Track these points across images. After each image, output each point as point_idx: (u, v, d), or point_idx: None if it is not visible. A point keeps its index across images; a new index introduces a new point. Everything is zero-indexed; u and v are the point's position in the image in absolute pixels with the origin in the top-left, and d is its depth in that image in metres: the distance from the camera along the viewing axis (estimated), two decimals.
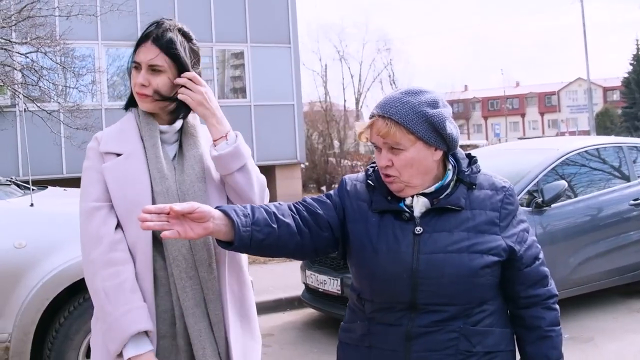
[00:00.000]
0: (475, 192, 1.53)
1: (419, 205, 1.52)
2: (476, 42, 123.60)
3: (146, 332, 1.60)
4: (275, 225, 1.49)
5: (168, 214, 1.40)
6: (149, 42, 1.66)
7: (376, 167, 1.59)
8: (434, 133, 1.47)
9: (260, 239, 1.47)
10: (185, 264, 1.65)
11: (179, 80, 1.68)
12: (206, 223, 1.43)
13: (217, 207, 1.48)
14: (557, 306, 1.58)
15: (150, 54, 1.66)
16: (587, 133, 30.23)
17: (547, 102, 62.32)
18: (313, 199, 1.61)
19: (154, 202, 1.64)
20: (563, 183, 4.95)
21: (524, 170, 5.10)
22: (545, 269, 1.57)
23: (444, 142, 1.50)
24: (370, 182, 1.58)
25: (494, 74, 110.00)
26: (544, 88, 62.74)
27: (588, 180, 5.52)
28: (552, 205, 4.90)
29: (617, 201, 5.41)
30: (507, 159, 5.68)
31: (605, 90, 56.79)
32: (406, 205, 1.52)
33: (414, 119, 1.46)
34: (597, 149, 5.74)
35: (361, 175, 1.64)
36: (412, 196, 1.52)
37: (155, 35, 1.67)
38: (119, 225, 1.65)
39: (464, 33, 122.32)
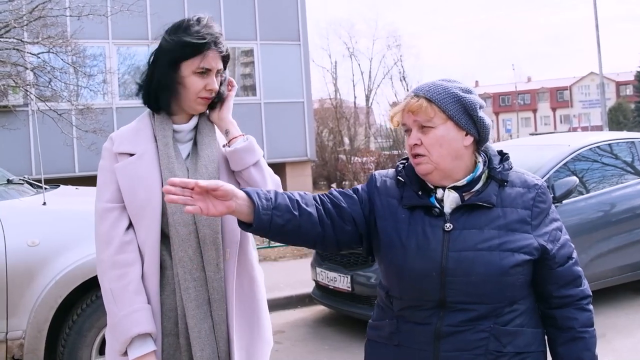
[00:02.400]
0: (506, 190, 1.51)
1: (450, 201, 1.50)
2: (486, 36, 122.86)
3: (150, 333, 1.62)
4: (296, 213, 1.49)
5: (192, 189, 1.42)
6: (216, 50, 1.69)
7: (407, 163, 1.58)
8: (465, 115, 1.48)
9: (280, 224, 1.48)
10: (190, 264, 1.66)
11: (231, 80, 1.80)
12: (229, 202, 1.45)
13: (242, 189, 1.49)
14: (591, 307, 1.54)
15: (218, 61, 1.71)
16: (599, 128, 29.94)
17: (559, 97, 61.81)
18: (339, 191, 1.61)
19: (164, 202, 1.65)
20: (574, 179, 4.91)
21: (535, 166, 5.07)
22: (579, 268, 1.54)
23: (474, 128, 1.50)
24: (400, 178, 1.58)
25: (505, 70, 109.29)
26: (555, 83, 62.23)
27: (600, 176, 5.47)
28: (564, 202, 4.87)
29: (630, 197, 5.36)
30: (518, 155, 5.63)
31: (618, 84, 56.23)
32: (437, 200, 1.51)
33: (446, 98, 1.47)
34: (609, 145, 5.69)
35: (391, 171, 1.64)
36: (444, 190, 1.51)
37: (220, 43, 1.70)
38: (130, 225, 1.67)
39: (473, 27, 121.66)
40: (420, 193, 1.53)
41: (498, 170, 1.52)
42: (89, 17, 8.28)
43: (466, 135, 1.49)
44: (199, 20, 1.71)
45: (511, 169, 1.55)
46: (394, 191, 1.57)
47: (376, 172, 1.65)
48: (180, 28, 1.69)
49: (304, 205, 1.52)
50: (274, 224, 1.47)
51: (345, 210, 1.55)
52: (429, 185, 1.54)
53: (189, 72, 1.68)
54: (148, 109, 1.77)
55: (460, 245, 1.45)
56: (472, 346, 1.44)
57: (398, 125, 1.54)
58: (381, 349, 1.58)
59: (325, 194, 1.60)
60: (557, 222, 1.54)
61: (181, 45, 1.66)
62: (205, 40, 1.67)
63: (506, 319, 1.46)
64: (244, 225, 1.50)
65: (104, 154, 1.73)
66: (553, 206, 1.56)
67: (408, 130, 1.52)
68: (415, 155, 1.50)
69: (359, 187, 1.63)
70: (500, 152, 1.58)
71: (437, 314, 1.46)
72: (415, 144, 1.48)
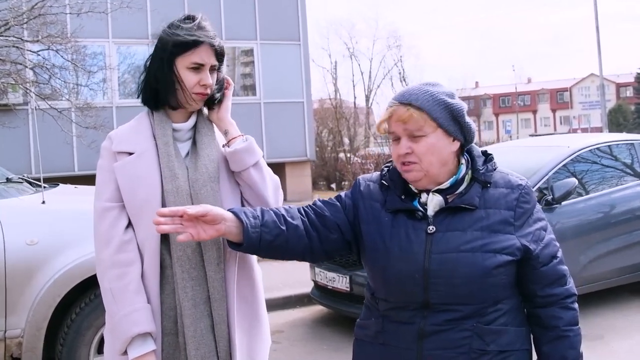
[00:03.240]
0: (490, 191, 1.51)
1: (433, 203, 1.51)
2: (486, 36, 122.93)
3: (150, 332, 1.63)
4: (283, 227, 1.53)
5: (181, 216, 1.46)
6: (207, 45, 1.69)
7: (391, 167, 1.59)
8: (453, 122, 1.49)
9: (269, 241, 1.52)
10: (189, 264, 1.66)
11: (227, 78, 1.80)
12: (218, 225, 1.49)
13: (229, 210, 1.53)
14: (575, 305, 1.54)
15: (212, 57, 1.70)
16: (599, 130, 29.97)
17: (559, 99, 61.84)
18: (322, 201, 1.63)
19: (163, 201, 1.66)
20: (573, 180, 4.92)
21: (535, 167, 5.07)
22: (564, 267, 1.54)
23: (461, 133, 1.50)
24: (384, 182, 1.59)
25: (505, 70, 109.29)
26: (556, 84, 62.26)
27: (599, 177, 5.48)
28: (563, 203, 4.87)
29: (629, 198, 5.36)
30: (517, 156, 5.65)
31: (619, 86, 56.27)
32: (420, 204, 1.52)
33: (434, 106, 1.47)
34: (608, 146, 5.70)
35: (375, 175, 1.65)
36: (428, 194, 1.52)
37: (212, 38, 1.70)
38: (130, 225, 1.68)
39: (473, 27, 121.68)
40: (403, 197, 1.54)
41: (481, 171, 1.53)
42: (88, 15, 8.28)
43: (453, 140, 1.50)
44: (190, 18, 1.73)
45: (495, 169, 1.55)
46: (377, 195, 1.58)
47: (360, 177, 1.67)
48: (173, 26, 1.71)
49: (290, 219, 1.55)
50: (263, 240, 1.51)
51: (329, 219, 1.58)
52: (413, 189, 1.55)
53: (182, 67, 1.69)
54: (147, 108, 1.78)
55: (442, 247, 1.46)
56: (455, 345, 1.45)
57: (385, 132, 1.54)
58: (368, 347, 1.60)
59: (309, 205, 1.63)
60: (541, 221, 1.54)
61: (173, 42, 1.68)
62: (196, 35, 1.68)
63: (490, 318, 1.47)
64: (234, 245, 1.55)
65: (102, 153, 1.73)
66: (538, 205, 1.56)
67: (397, 139, 1.51)
68: (406, 163, 1.50)
69: (343, 193, 1.65)
70: (485, 153, 1.59)
71: (421, 314, 1.48)
72: (407, 153, 1.49)
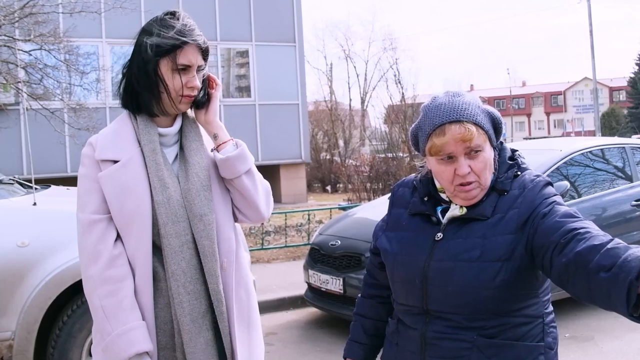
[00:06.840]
0: (505, 197, 1.45)
1: (451, 212, 1.48)
2: (482, 40, 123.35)
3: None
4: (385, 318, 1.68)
5: None
6: (194, 46, 1.60)
7: (429, 176, 1.54)
8: (494, 131, 1.47)
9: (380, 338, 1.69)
10: (184, 278, 1.59)
11: (214, 77, 1.71)
12: None
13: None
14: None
15: (198, 56, 1.62)
16: (592, 133, 30.11)
17: (553, 102, 62.14)
18: (371, 267, 1.72)
19: (154, 213, 1.58)
20: (565, 184, 4.94)
21: None
22: (568, 209, 1.37)
23: (497, 140, 1.49)
24: (415, 183, 1.58)
25: (500, 73, 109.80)
26: (550, 88, 62.58)
27: (591, 180, 5.51)
28: None
29: (620, 202, 5.39)
30: None
31: (612, 90, 56.60)
32: (443, 211, 1.50)
33: (484, 117, 1.44)
34: (600, 150, 5.73)
35: (410, 178, 1.63)
36: (460, 205, 1.48)
37: (198, 37, 1.61)
38: (118, 238, 1.59)
39: (470, 30, 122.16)
40: (425, 199, 1.53)
41: (500, 179, 1.48)
42: (81, 15, 8.24)
43: (494, 148, 1.49)
44: (173, 15, 1.62)
45: (516, 176, 1.48)
46: (405, 200, 1.59)
47: (396, 184, 1.66)
48: (154, 25, 1.60)
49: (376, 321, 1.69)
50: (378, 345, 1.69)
51: (384, 277, 1.63)
52: (444, 197, 1.51)
53: (167, 70, 1.59)
54: (128, 111, 1.68)
55: (442, 255, 1.44)
56: (454, 355, 1.43)
57: (433, 155, 1.45)
58: (387, 345, 1.63)
59: (369, 281, 1.73)
60: (549, 205, 1.39)
61: (156, 42, 1.57)
62: (181, 35, 1.58)
63: (492, 332, 1.42)
64: None
65: (84, 161, 1.62)
66: (556, 197, 1.43)
67: (450, 158, 1.42)
68: (465, 184, 1.43)
69: (372, 241, 1.68)
70: (512, 158, 1.53)
71: (423, 319, 1.48)
72: (468, 172, 1.42)
